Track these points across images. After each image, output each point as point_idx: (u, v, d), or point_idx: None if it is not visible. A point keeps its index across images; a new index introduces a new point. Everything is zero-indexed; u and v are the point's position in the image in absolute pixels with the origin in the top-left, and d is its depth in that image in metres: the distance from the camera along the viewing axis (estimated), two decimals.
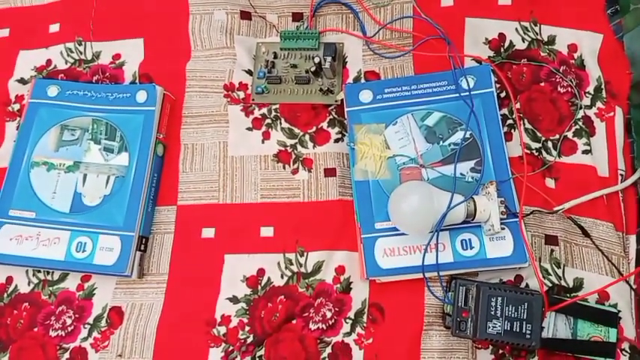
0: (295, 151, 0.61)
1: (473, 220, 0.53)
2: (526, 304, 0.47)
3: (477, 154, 0.57)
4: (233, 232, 0.59)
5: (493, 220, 0.52)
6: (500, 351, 0.53)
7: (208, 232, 0.59)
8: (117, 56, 0.67)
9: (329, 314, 0.55)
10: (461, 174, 0.56)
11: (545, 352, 0.52)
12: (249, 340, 0.55)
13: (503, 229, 0.53)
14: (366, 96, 0.60)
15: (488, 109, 0.58)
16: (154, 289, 0.58)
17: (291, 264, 0.57)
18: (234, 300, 0.57)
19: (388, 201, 0.53)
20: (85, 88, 0.64)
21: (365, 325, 0.55)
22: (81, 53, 0.68)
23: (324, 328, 0.55)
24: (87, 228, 0.58)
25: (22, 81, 0.67)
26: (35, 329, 0.57)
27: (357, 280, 0.57)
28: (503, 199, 0.53)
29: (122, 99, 0.62)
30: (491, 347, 0.53)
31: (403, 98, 0.60)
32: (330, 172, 0.60)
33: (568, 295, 0.53)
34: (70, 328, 0.57)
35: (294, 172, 0.61)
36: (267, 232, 0.59)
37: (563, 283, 0.54)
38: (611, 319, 0.51)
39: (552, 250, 0.55)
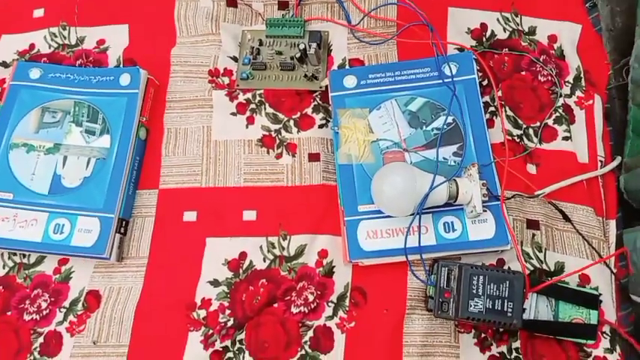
0: (279, 136, 0.60)
1: (455, 202, 0.52)
2: (507, 282, 0.46)
3: (459, 138, 0.57)
4: (215, 216, 0.57)
5: (475, 201, 0.51)
6: (483, 335, 0.52)
7: (190, 216, 0.58)
8: (101, 41, 0.66)
9: (311, 297, 0.54)
10: (444, 158, 0.55)
11: (526, 334, 0.52)
12: (229, 324, 0.53)
13: (485, 211, 0.52)
14: (350, 81, 0.60)
15: (470, 95, 0.58)
16: (132, 272, 0.56)
17: (274, 247, 0.56)
18: (214, 283, 0.55)
19: (371, 183, 0.53)
20: (68, 71, 0.62)
21: (347, 308, 0.53)
22: (65, 38, 0.66)
23: (306, 311, 0.53)
24: (65, 210, 0.56)
25: (4, 64, 0.65)
26: (9, 313, 0.55)
27: (339, 264, 0.55)
28: (485, 181, 0.53)
29: (105, 82, 0.61)
30: (473, 331, 0.52)
31: (387, 84, 0.59)
32: (314, 157, 0.59)
33: (549, 278, 0.52)
34: (45, 312, 0.55)
35: (278, 156, 0.60)
36: (249, 215, 0.57)
37: (544, 266, 0.54)
38: (592, 301, 0.50)
39: (534, 235, 0.55)
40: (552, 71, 0.60)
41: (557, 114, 0.59)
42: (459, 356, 0.51)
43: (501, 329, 0.50)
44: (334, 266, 0.55)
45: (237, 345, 0.53)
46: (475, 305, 0.46)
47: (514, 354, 0.52)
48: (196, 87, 0.63)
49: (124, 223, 0.57)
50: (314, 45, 0.61)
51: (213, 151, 0.60)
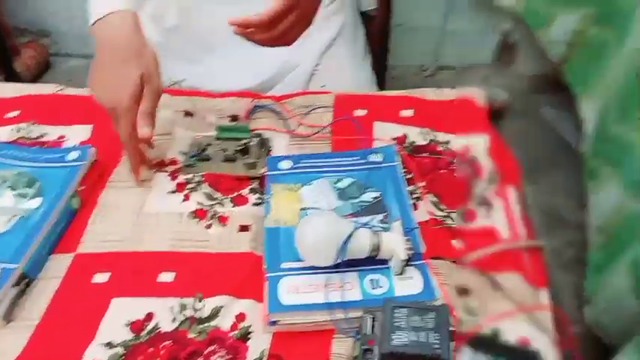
0: (212, 209, 0.60)
1: (378, 255, 0.50)
2: (432, 313, 0.41)
3: (384, 209, 0.57)
4: (128, 277, 0.52)
5: (398, 250, 0.49)
6: None
7: (101, 277, 0.52)
8: (62, 136, 0.70)
9: None
10: (370, 225, 0.55)
11: None
12: None
13: (409, 263, 0.50)
14: (285, 165, 0.63)
15: (394, 176, 0.61)
16: (15, 335, 0.47)
17: (185, 309, 0.49)
18: (109, 345, 0.46)
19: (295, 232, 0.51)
20: (20, 149, 0.64)
21: None
22: (30, 132, 0.70)
23: None
24: None
25: None
26: None
27: (258, 331, 0.48)
28: (408, 237, 0.51)
29: (53, 159, 0.63)
30: None
31: (319, 167, 0.63)
32: (244, 228, 0.58)
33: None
34: None
35: (208, 226, 0.58)
36: (166, 277, 0.52)
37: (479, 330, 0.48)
38: (533, 357, 0.44)
39: (465, 300, 0.51)
40: (469, 170, 0.65)
41: (477, 200, 0.62)
42: None
43: None
44: (251, 332, 0.48)
45: None
46: (398, 338, 0.40)
47: None
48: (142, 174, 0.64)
49: (26, 280, 0.50)
50: (256, 139, 0.66)
51: (142, 220, 0.58)
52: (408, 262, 0.49)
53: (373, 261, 0.50)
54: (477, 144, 0.69)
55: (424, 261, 0.50)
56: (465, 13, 1.57)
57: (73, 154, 0.62)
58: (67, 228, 0.56)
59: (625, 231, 0.84)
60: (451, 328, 0.40)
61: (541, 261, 0.55)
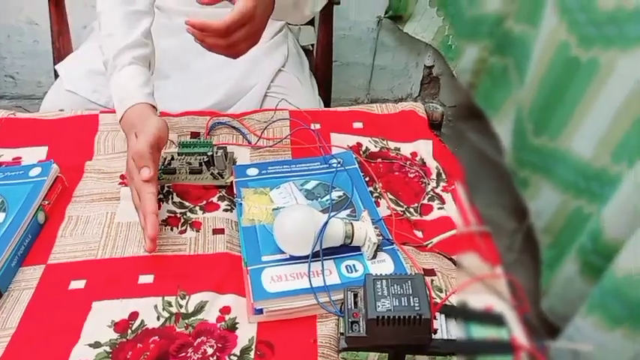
0: (184, 217, 0.62)
1: (351, 242, 0.54)
2: (409, 281, 0.46)
3: (350, 205, 0.62)
4: (107, 282, 0.52)
5: (370, 235, 0.54)
6: None
7: (77, 284, 0.52)
8: (17, 157, 0.69)
9: (210, 350, 0.47)
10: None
11: None
12: None
13: (379, 249, 0.55)
14: (252, 172, 0.67)
15: (355, 178, 0.67)
16: None
17: (170, 306, 0.51)
18: (95, 345, 0.46)
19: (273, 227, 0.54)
20: None
21: None
22: None
23: None
24: None
25: None
26: None
27: (243, 322, 0.50)
28: (377, 226, 0.57)
29: (14, 175, 0.62)
30: None
31: (284, 173, 0.67)
32: (218, 231, 0.60)
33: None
34: None
35: (182, 232, 0.60)
36: (145, 279, 0.53)
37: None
38: (498, 320, 0.49)
39: (432, 280, 0.56)
40: (419, 171, 0.73)
41: (430, 196, 0.69)
42: None
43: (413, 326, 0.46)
44: (237, 323, 0.50)
45: None
46: (383, 305, 0.44)
47: None
48: (106, 187, 0.65)
49: None
50: (220, 151, 0.70)
51: (114, 230, 0.59)
52: (378, 247, 0.54)
53: (347, 249, 0.55)
54: (423, 148, 0.78)
55: (393, 245, 0.56)
56: (391, 50, 1.72)
57: (35, 170, 0.61)
58: (34, 242, 0.56)
59: (569, 227, 0.95)
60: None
61: (492, 243, 0.63)
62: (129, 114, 0.62)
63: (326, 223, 0.52)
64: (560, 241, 0.95)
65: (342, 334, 0.47)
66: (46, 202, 0.59)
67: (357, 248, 0.55)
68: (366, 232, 0.54)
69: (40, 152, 0.69)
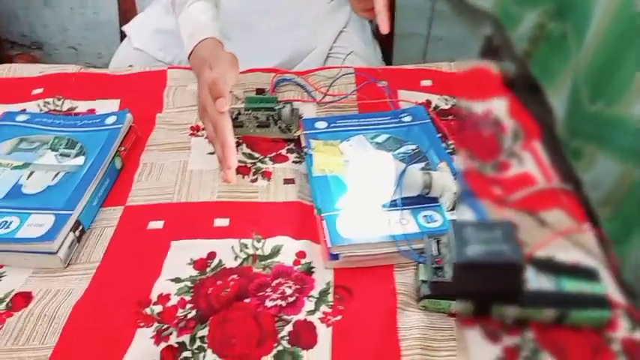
0: (254, 167, 0.62)
1: (429, 192, 0.53)
2: (499, 228, 0.44)
3: (425, 159, 0.60)
4: (184, 224, 0.53)
5: (449, 184, 0.52)
6: (490, 327, 0.45)
7: (156, 224, 0.53)
8: (91, 110, 0.71)
9: (289, 291, 0.47)
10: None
11: (539, 327, 0.45)
12: (189, 316, 0.43)
13: (459, 198, 0.52)
14: (321, 125, 0.66)
15: (429, 132, 0.65)
16: (78, 275, 0.48)
17: (247, 248, 0.51)
18: (176, 280, 0.47)
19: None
20: (55, 117, 0.65)
21: (332, 303, 0.46)
22: (57, 106, 0.71)
23: (284, 305, 0.45)
24: (17, 210, 0.50)
25: None
26: None
27: (319, 267, 0.50)
28: (456, 178, 0.54)
29: (91, 123, 0.64)
30: (479, 326, 0.45)
31: (354, 126, 0.66)
32: (288, 181, 0.60)
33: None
34: None
35: (253, 181, 0.60)
36: (221, 222, 0.53)
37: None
38: (593, 274, 0.47)
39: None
40: (495, 129, 0.70)
41: (508, 153, 0.66)
42: (467, 349, 0.43)
43: (504, 276, 0.44)
44: (313, 267, 0.50)
45: (198, 343, 0.42)
46: (472, 250, 0.42)
47: (531, 344, 0.44)
48: (177, 138, 0.66)
49: (80, 227, 0.51)
50: (287, 106, 0.69)
51: (187, 177, 0.59)
52: (458, 199, 0.52)
53: (423, 200, 0.53)
54: (497, 107, 0.74)
55: (473, 198, 0.53)
56: (448, 20, 1.66)
57: (111, 119, 0.63)
58: (113, 185, 0.57)
59: (632, 198, 0.89)
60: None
61: (578, 200, 0.59)
62: (200, 48, 0.62)
63: (404, 170, 0.51)
64: (624, 213, 0.89)
65: (423, 281, 0.45)
66: (122, 149, 0.60)
67: (434, 200, 0.54)
68: (445, 182, 0.52)
69: (112, 105, 0.71)
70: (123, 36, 0.92)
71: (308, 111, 0.72)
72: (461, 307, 0.45)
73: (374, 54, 0.94)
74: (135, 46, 0.84)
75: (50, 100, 0.71)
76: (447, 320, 0.44)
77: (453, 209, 0.52)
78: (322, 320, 0.44)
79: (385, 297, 0.46)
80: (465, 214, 0.52)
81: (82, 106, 0.71)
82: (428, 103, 0.73)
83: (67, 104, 0.71)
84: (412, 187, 0.52)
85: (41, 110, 0.69)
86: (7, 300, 0.44)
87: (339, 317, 0.44)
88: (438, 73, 0.79)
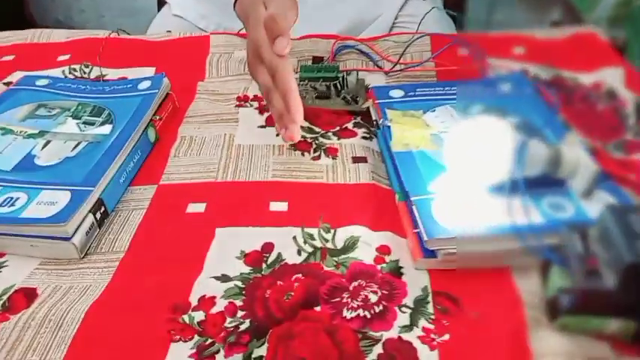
0: (316, 142, 0.50)
1: (557, 171, 0.39)
2: None
3: (538, 134, 0.47)
4: (231, 207, 0.42)
5: (584, 160, 0.39)
6: None
7: (196, 207, 0.42)
8: (122, 78, 0.61)
9: (374, 298, 0.34)
10: None
11: None
12: (242, 327, 0.31)
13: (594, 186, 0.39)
14: (396, 93, 0.53)
15: (534, 103, 0.51)
16: (97, 269, 0.37)
17: (313, 239, 0.39)
18: (223, 278, 0.35)
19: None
20: (79, 82, 0.55)
21: (433, 317, 0.33)
22: (85, 73, 0.62)
23: (368, 316, 0.33)
24: (25, 184, 0.40)
25: (8, 84, 0.58)
26: None
27: (409, 267, 0.37)
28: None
29: (121, 89, 0.54)
30: None
31: (438, 95, 0.53)
32: (359, 160, 0.48)
33: None
34: None
35: (316, 158, 0.48)
36: (278, 206, 0.42)
37: None
38: None
39: None
40: (612, 102, 0.56)
41: (635, 131, 0.52)
42: None
43: None
44: (402, 267, 0.37)
45: None
46: None
47: None
48: (222, 108, 0.55)
49: (102, 208, 0.40)
50: (353, 74, 0.57)
51: (234, 152, 0.48)
52: (596, 181, 0.38)
53: (547, 183, 0.40)
54: (610, 77, 0.60)
55: (612, 181, 0.40)
56: (510, 4, 1.52)
57: (145, 84, 0.52)
58: (144, 161, 0.46)
59: None
60: None
61: None
62: None
63: (524, 143, 0.38)
64: None
65: (561, 290, 0.32)
66: (157, 118, 0.49)
67: (560, 183, 0.40)
68: (578, 158, 0.38)
69: (146, 73, 0.61)
70: (160, 5, 0.82)
71: (375, 81, 0.60)
72: (622, 328, 0.32)
73: (448, 25, 0.81)
74: (174, 13, 0.74)
75: (77, 66, 0.62)
76: (598, 346, 0.31)
77: (589, 194, 0.38)
78: (423, 340, 0.31)
79: (507, 310, 0.33)
80: (603, 201, 0.38)
81: (112, 73, 0.61)
82: (524, 73, 0.59)
83: (96, 71, 0.61)
84: (534, 164, 0.38)
85: (66, 77, 0.59)
86: (5, 298, 0.33)
87: (446, 337, 0.31)
88: (532, 41, 0.65)
